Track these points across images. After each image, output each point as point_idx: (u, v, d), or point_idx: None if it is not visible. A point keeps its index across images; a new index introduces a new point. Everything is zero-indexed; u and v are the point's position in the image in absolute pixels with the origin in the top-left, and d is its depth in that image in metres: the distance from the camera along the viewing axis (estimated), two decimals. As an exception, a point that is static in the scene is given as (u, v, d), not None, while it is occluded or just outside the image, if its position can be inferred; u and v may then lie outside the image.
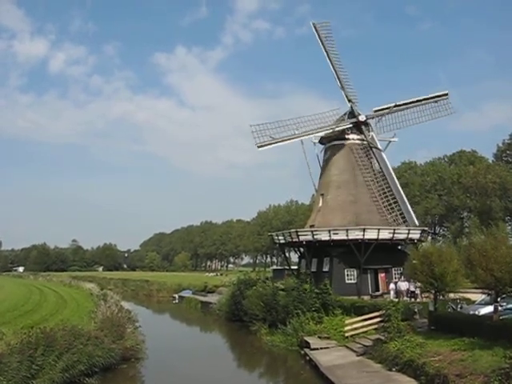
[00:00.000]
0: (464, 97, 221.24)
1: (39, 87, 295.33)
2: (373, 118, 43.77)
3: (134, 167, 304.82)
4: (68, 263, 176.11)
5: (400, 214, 39.93)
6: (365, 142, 42.99)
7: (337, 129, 42.11)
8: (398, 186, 41.58)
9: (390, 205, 40.49)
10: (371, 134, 43.16)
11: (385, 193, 40.76)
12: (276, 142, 40.32)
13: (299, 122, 41.60)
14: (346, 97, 43.91)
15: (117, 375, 22.51)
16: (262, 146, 39.93)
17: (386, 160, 42.40)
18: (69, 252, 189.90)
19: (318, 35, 44.25)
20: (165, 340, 34.71)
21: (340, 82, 43.78)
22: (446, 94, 44.63)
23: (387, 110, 43.53)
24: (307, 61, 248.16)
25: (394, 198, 40.44)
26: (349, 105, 43.68)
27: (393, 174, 42.20)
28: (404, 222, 39.59)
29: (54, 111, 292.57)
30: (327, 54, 43.85)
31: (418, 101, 43.96)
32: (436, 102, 43.98)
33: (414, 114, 43.96)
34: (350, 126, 42.62)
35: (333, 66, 43.81)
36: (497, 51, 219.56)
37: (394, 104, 43.55)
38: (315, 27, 44.56)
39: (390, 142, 43.79)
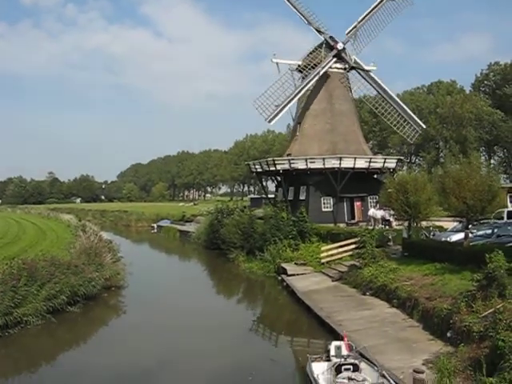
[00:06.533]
0: (440, 28, 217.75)
1: (11, 17, 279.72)
2: (348, 41, 42.56)
3: (110, 100, 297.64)
4: (45, 196, 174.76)
5: (410, 127, 41.94)
6: (341, 71, 42.47)
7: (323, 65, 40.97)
8: (399, 101, 43.33)
9: (398, 122, 41.89)
10: (353, 57, 42.51)
11: (389, 113, 41.86)
12: None
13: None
14: (317, 30, 42.14)
15: (98, 303, 23.02)
16: None
17: (378, 79, 42.52)
18: (46, 184, 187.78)
19: None
20: (145, 268, 35.01)
21: (306, 19, 41.82)
22: None
23: (358, 25, 42.48)
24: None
25: (400, 114, 41.87)
26: (321, 37, 42.11)
27: (389, 91, 42.92)
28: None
29: (27, 42, 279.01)
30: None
31: (378, 3, 43.10)
32: None
33: (380, 18, 43.19)
34: (330, 57, 41.32)
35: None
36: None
37: (361, 17, 42.68)
38: None
39: (368, 71, 43.22)
